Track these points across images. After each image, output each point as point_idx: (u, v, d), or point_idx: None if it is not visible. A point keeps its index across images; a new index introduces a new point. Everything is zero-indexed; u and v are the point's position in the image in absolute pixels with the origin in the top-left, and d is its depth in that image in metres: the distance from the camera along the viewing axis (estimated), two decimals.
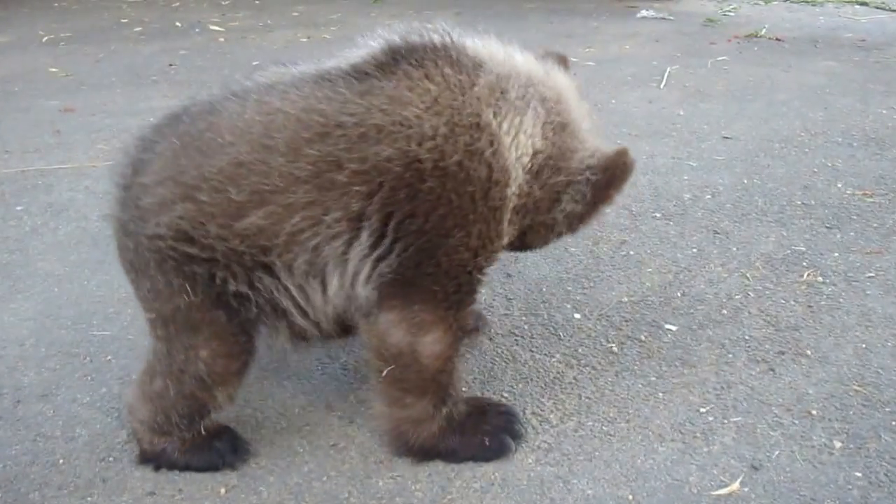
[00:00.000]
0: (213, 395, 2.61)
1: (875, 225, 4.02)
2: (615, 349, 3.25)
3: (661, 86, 6.42)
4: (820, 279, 3.62)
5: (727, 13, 9.14)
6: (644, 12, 9.07)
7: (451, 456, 2.73)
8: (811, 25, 8.50)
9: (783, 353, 3.18)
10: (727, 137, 5.20)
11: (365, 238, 2.43)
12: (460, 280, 2.53)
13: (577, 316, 3.44)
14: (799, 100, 5.90)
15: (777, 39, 7.81)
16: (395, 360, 2.57)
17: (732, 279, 3.64)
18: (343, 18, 8.74)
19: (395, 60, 2.47)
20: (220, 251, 2.41)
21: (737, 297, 3.53)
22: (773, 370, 3.10)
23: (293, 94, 2.43)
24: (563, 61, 2.80)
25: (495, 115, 2.48)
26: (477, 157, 2.43)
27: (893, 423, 2.84)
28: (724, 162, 4.82)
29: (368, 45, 2.55)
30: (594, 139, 2.73)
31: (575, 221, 2.74)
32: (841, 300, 3.48)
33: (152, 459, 2.75)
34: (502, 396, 3.02)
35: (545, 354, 3.23)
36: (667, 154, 4.98)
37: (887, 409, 2.89)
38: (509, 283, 3.66)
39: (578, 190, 2.65)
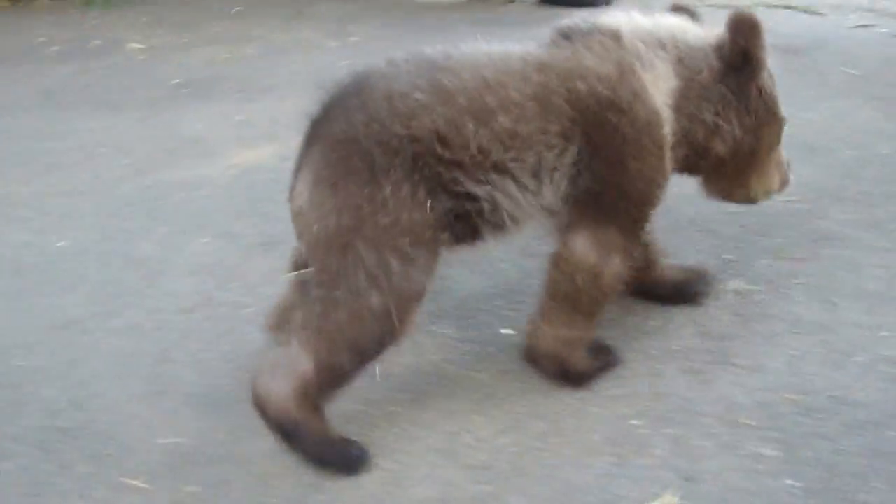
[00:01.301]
0: (406, 316, 2.80)
1: (804, 231, 4.02)
2: None
3: None
4: (749, 287, 3.61)
5: None
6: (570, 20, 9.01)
7: (593, 374, 3.13)
8: None
9: (714, 362, 3.18)
10: None
11: (572, 153, 2.90)
12: (642, 208, 3.04)
13: (507, 331, 3.41)
14: None
15: None
16: (582, 275, 2.99)
17: None
18: (265, 34, 8.60)
19: (566, 37, 3.01)
20: (470, 151, 2.80)
21: (666, 307, 3.52)
22: (704, 380, 3.09)
23: (506, 45, 3.03)
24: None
25: (641, 66, 2.96)
26: (639, 99, 2.92)
27: (825, 429, 2.84)
28: None
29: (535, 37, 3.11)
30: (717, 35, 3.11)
31: (734, 118, 3.10)
32: (771, 308, 3.48)
33: (288, 433, 2.78)
34: (432, 414, 2.99)
35: (475, 371, 3.20)
36: None
37: (819, 416, 2.90)
38: (437, 298, 3.61)
39: (708, 96, 3.05)
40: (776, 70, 3.21)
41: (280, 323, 3.17)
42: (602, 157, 2.91)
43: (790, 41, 7.86)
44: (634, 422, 2.91)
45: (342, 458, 2.79)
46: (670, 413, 2.94)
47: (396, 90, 2.79)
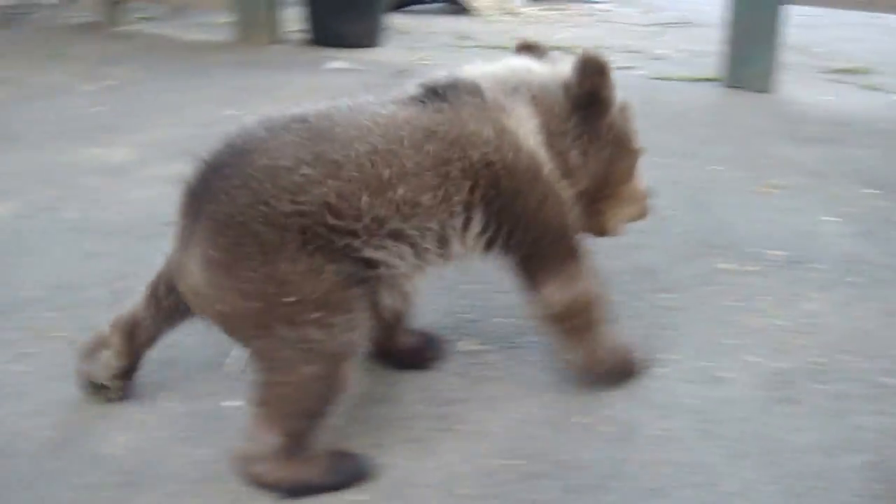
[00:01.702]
0: (344, 371, 2.83)
1: None
2: None
3: None
4: (481, 347, 3.63)
5: (422, 62, 9.18)
6: (334, 63, 9.03)
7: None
8: None
9: (437, 429, 3.15)
10: None
11: (477, 221, 3.01)
12: (566, 239, 3.17)
13: (231, 403, 3.31)
14: None
15: None
16: (569, 313, 3.21)
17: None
18: (16, 77, 8.30)
19: (433, 94, 3.02)
20: (364, 221, 2.77)
21: (393, 372, 3.50)
22: (425, 449, 3.05)
23: (389, 107, 2.98)
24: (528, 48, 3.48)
25: (507, 116, 3.05)
26: (518, 151, 3.02)
27: (546, 496, 2.84)
28: None
29: (404, 87, 3.13)
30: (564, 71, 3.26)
31: (589, 150, 3.26)
32: (499, 369, 3.49)
33: (293, 490, 2.87)
34: (149, 497, 2.86)
35: (198, 447, 3.09)
36: None
37: (540, 482, 2.90)
38: (163, 370, 3.49)
39: (563, 130, 3.19)
40: None
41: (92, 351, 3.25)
42: (510, 218, 3.05)
43: None
44: (352, 497, 2.85)
45: (351, 473, 2.94)
46: (388, 486, 2.89)
47: (281, 165, 2.72)
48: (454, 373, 3.47)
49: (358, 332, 2.84)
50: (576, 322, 3.23)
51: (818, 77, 9.21)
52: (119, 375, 3.25)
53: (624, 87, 3.28)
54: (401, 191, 2.81)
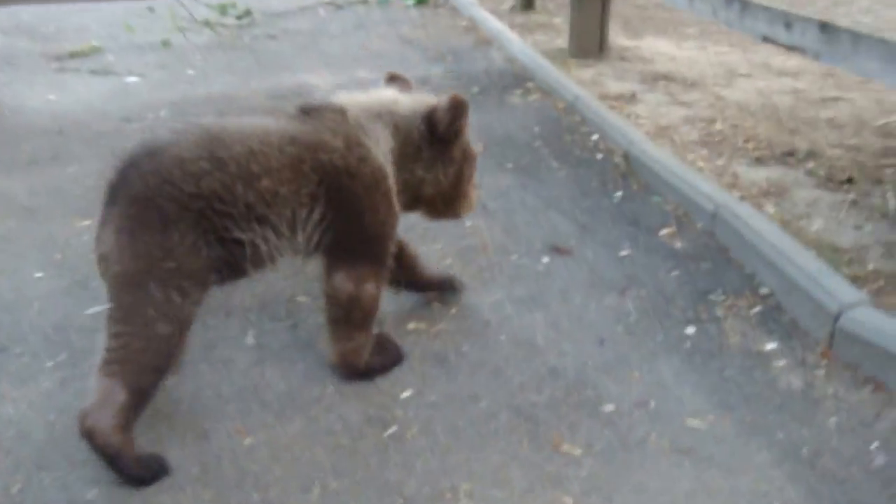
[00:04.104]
0: (186, 338, 3.51)
1: None
2: None
3: None
4: None
5: None
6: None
7: (380, 370, 4.08)
8: None
9: None
10: None
11: (317, 212, 3.66)
12: (381, 244, 3.87)
13: None
14: None
15: None
16: (346, 304, 3.84)
17: None
18: None
19: (304, 112, 3.81)
20: (240, 205, 3.47)
21: None
22: None
23: (269, 120, 3.75)
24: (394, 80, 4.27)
25: (364, 135, 3.77)
26: (364, 162, 3.73)
27: None
28: None
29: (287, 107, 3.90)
30: (423, 104, 4.02)
31: (440, 171, 4.07)
32: None
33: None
34: None
35: None
36: None
37: None
38: None
39: (418, 156, 3.98)
40: None
41: None
42: (342, 213, 3.70)
43: None
44: None
45: (149, 473, 3.37)
46: None
47: (186, 157, 3.42)
48: None
49: (199, 308, 3.51)
50: (351, 315, 3.88)
51: (47, 68, 8.81)
52: None
53: None
54: (265, 182, 3.51)
